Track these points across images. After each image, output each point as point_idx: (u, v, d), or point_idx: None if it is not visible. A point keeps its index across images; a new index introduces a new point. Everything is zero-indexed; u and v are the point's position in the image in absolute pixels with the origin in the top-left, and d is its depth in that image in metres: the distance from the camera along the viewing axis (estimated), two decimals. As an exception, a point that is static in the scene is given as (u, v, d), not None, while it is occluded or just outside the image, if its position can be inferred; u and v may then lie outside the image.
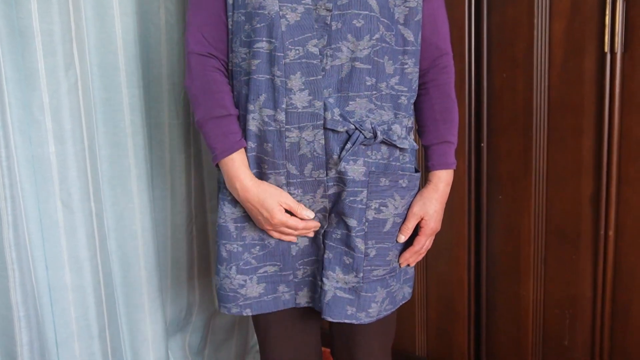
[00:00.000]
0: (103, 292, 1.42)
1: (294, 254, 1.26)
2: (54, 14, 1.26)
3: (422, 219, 1.27)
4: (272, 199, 1.18)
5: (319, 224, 1.24)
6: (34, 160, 1.30)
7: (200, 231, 1.72)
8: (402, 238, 1.27)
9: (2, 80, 1.21)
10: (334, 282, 1.24)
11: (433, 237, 1.32)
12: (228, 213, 1.25)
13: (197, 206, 1.70)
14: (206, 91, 1.19)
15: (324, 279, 1.24)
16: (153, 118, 1.55)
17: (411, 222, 1.27)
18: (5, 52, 1.23)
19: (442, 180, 1.29)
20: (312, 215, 1.21)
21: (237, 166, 1.19)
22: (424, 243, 1.29)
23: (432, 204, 1.27)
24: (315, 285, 1.28)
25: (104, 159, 1.44)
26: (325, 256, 1.24)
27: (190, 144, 1.65)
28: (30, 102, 1.28)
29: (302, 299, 1.29)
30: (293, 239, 1.24)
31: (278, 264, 1.26)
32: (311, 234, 1.25)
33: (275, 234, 1.23)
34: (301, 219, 1.21)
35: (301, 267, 1.27)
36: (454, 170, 1.32)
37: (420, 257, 1.31)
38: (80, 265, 1.36)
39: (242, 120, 1.21)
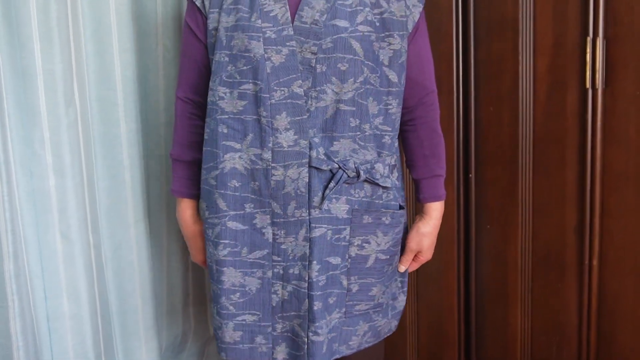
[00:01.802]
0: (100, 321, 1.46)
1: (274, 304, 1.26)
2: (55, 54, 1.32)
3: (419, 251, 1.37)
4: (202, 242, 1.35)
5: None
6: (35, 193, 1.35)
7: (196, 259, 1.76)
8: (402, 268, 1.38)
9: (4, 117, 1.27)
10: (326, 329, 1.25)
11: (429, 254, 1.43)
12: (212, 253, 1.27)
13: (193, 235, 1.74)
14: (183, 136, 1.33)
15: (318, 331, 1.24)
16: (151, 150, 1.61)
17: (409, 256, 1.38)
18: (9, 91, 1.29)
19: (435, 210, 1.36)
20: None
21: (185, 206, 1.36)
22: (415, 267, 1.42)
23: (427, 239, 1.37)
24: (295, 342, 1.27)
25: (102, 191, 1.48)
26: (316, 308, 1.23)
27: (186, 174, 1.69)
28: (32, 137, 1.33)
29: (280, 355, 1.29)
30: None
31: (258, 313, 1.26)
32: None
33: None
34: None
35: (280, 320, 1.27)
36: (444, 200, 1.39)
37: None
38: (78, 295, 1.41)
39: (214, 158, 1.24)
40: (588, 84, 1.53)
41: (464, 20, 1.70)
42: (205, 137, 1.26)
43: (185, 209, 1.35)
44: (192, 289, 1.76)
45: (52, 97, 1.33)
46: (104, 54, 1.44)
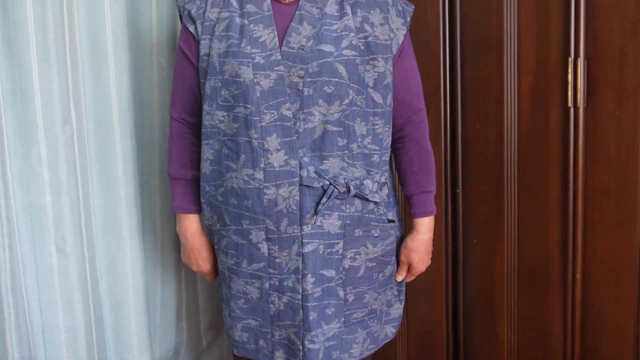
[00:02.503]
0: (94, 333, 1.50)
1: (271, 313, 1.33)
2: (53, 74, 1.37)
3: (410, 264, 1.42)
4: (207, 252, 1.42)
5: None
6: (31, 209, 1.39)
7: (189, 273, 1.80)
8: (399, 278, 1.45)
9: (3, 135, 1.32)
10: (322, 337, 1.31)
11: (422, 266, 1.47)
12: (223, 261, 1.36)
13: (186, 249, 1.77)
14: (183, 155, 1.38)
15: (314, 339, 1.30)
16: (146, 166, 1.65)
17: (403, 269, 1.45)
18: (7, 109, 1.34)
19: (425, 225, 1.42)
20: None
21: (193, 221, 1.40)
22: (411, 279, 1.47)
23: (416, 254, 1.42)
24: (291, 350, 1.33)
25: (97, 206, 1.52)
26: (311, 318, 1.30)
27: (180, 190, 1.73)
28: (29, 155, 1.38)
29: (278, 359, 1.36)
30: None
31: (259, 319, 1.34)
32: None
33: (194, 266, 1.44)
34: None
35: (278, 328, 1.34)
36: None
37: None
38: (73, 308, 1.45)
39: (220, 176, 1.31)
40: (570, 103, 1.57)
41: (451, 40, 1.74)
42: (210, 157, 1.31)
43: (193, 223, 1.40)
44: (185, 302, 1.80)
45: (49, 115, 1.38)
46: (100, 74, 1.49)
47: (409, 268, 1.45)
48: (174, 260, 1.74)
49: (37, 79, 1.35)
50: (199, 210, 1.40)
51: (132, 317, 1.58)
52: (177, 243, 1.74)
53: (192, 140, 1.37)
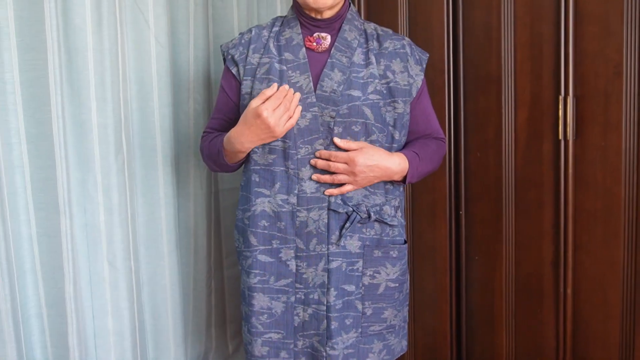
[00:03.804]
0: (138, 337, 1.67)
1: (295, 325, 1.45)
2: (108, 110, 1.55)
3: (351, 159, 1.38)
4: (248, 108, 1.34)
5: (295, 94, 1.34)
6: (87, 227, 1.57)
7: (218, 285, 1.96)
8: (340, 142, 1.38)
9: (68, 164, 1.50)
10: (342, 345, 1.44)
11: (354, 178, 1.39)
12: (244, 280, 1.48)
13: (216, 263, 1.94)
14: (210, 143, 1.48)
15: (335, 346, 1.43)
16: (181, 189, 1.83)
17: (339, 154, 1.38)
18: (70, 142, 1.53)
19: (399, 164, 1.40)
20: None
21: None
22: (337, 164, 1.38)
23: (367, 155, 1.38)
24: (315, 357, 1.45)
25: (141, 225, 1.70)
26: (333, 327, 1.43)
27: (212, 210, 1.92)
28: (86, 181, 1.56)
29: None
30: (293, 119, 1.34)
31: (282, 332, 1.45)
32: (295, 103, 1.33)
33: (278, 128, 1.32)
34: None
35: (301, 338, 1.46)
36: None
37: (325, 165, 1.39)
38: (121, 314, 1.62)
39: (248, 201, 1.45)
40: (561, 136, 1.70)
41: (455, 77, 1.90)
42: (242, 183, 1.48)
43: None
44: (214, 312, 1.95)
45: (105, 146, 1.56)
46: (146, 109, 1.67)
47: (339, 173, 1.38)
48: (205, 274, 1.91)
49: (95, 115, 1.53)
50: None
51: (169, 324, 1.75)
52: (207, 259, 1.91)
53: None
